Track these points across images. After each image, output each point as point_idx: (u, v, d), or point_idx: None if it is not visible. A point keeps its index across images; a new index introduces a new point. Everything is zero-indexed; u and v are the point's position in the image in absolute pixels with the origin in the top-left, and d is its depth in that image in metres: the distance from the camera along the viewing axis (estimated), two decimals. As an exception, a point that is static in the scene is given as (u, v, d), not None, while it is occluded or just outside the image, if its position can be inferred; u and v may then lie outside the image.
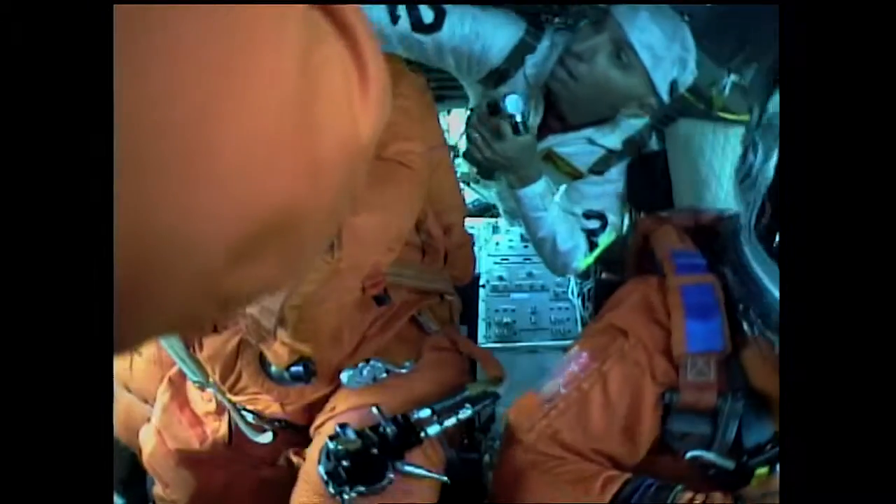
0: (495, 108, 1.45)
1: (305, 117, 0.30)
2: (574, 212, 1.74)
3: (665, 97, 1.46)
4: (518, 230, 3.03)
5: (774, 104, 0.76)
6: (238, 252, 0.29)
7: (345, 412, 1.23)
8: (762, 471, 0.73)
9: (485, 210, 3.09)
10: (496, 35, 1.53)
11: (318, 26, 0.31)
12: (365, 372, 1.24)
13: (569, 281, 2.98)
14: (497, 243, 3.06)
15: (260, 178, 0.28)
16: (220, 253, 0.28)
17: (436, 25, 1.50)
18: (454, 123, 2.75)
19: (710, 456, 0.74)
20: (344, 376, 1.24)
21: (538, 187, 1.57)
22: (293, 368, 1.21)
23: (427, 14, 1.49)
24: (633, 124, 1.65)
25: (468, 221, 2.84)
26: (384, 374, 1.26)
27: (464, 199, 1.60)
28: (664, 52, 1.39)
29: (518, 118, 1.45)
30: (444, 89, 2.21)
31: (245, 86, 0.26)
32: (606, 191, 1.73)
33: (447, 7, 1.50)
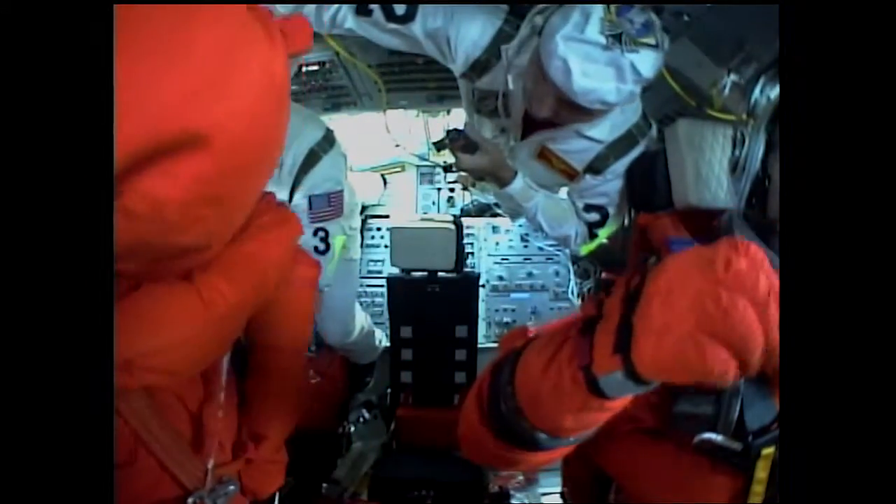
0: (441, 145, 1.73)
1: (230, 60, 0.48)
2: (576, 205, 1.82)
3: (637, 96, 1.44)
4: (517, 230, 3.04)
5: (757, 94, 0.78)
6: (144, 157, 0.40)
7: None
8: (769, 451, 0.74)
9: (484, 210, 3.10)
10: (471, 26, 1.53)
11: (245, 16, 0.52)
12: None
13: (569, 281, 2.98)
14: (497, 243, 3.06)
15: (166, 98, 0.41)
16: (125, 155, 0.38)
17: (408, 16, 1.53)
18: (454, 123, 2.76)
19: (717, 438, 0.74)
20: None
21: (515, 185, 1.78)
22: None
23: (399, 7, 1.52)
24: (623, 121, 1.64)
25: (467, 222, 2.90)
26: None
27: (292, 418, 1.22)
28: (609, 93, 1.33)
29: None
30: (445, 89, 2.22)
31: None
32: (606, 189, 1.75)
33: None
